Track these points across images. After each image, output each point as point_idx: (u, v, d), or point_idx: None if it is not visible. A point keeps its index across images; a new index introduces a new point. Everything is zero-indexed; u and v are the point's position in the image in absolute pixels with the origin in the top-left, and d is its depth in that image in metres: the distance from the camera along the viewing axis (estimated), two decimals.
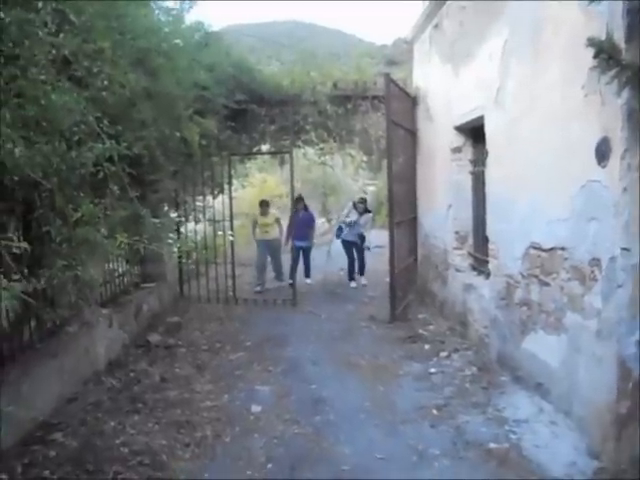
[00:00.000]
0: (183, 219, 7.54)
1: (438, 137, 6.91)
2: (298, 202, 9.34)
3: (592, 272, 3.40)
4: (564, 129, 3.70)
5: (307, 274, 9.82)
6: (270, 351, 5.94)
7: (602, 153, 3.24)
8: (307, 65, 8.09)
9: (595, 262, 3.37)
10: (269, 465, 3.53)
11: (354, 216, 9.37)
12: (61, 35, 2.77)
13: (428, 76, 7.45)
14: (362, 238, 9.60)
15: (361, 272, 9.61)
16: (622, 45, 2.97)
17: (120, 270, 6.45)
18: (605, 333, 3.32)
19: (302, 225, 9.36)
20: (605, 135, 3.22)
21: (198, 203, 7.93)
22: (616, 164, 3.12)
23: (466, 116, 5.77)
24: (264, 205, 9.53)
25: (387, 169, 6.77)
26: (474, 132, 5.89)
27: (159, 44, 4.58)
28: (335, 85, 7.87)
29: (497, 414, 4.15)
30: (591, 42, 2.79)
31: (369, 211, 9.73)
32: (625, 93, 2.93)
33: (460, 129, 6.22)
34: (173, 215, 7.04)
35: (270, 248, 9.43)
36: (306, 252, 9.68)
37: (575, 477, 3.24)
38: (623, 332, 3.18)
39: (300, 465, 3.51)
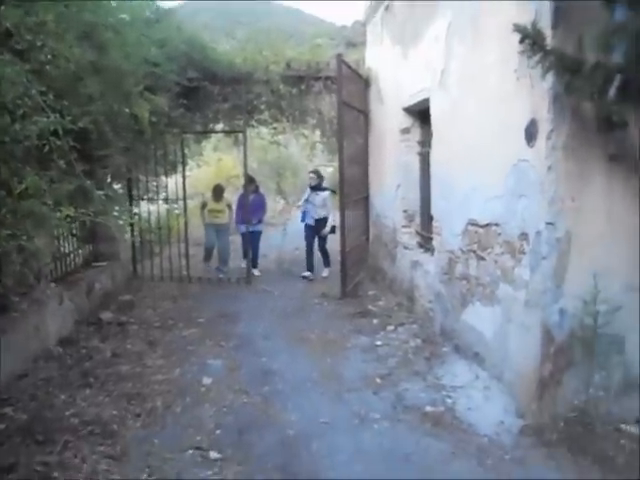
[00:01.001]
0: (136, 198, 7.51)
1: (388, 118, 7.08)
2: (249, 183, 8.74)
3: (521, 246, 3.65)
4: (499, 111, 3.91)
5: (254, 264, 8.86)
6: (223, 327, 6.04)
7: (530, 134, 3.46)
8: (261, 44, 8.09)
9: (524, 236, 3.61)
10: (218, 431, 3.67)
11: (310, 195, 8.39)
12: (2, 7, 2.76)
13: (379, 58, 7.59)
14: (324, 221, 8.28)
15: (325, 262, 8.61)
16: (549, 31, 3.17)
17: (71, 248, 6.40)
18: (532, 303, 3.57)
19: (252, 208, 8.67)
20: (534, 117, 3.44)
21: (152, 182, 7.89)
22: (542, 144, 3.35)
23: (414, 98, 5.94)
24: (218, 191, 8.86)
25: (338, 150, 6.90)
26: (422, 114, 6.07)
27: (106, 18, 4.55)
28: (288, 65, 7.90)
29: (436, 381, 4.40)
30: (517, 28, 2.97)
31: (327, 189, 8.54)
32: (550, 77, 3.13)
33: (409, 111, 6.40)
34: (123, 192, 7.00)
35: (219, 233, 8.75)
36: (255, 237, 8.86)
37: (502, 435, 3.51)
38: (548, 301, 3.45)
39: (247, 431, 3.67)
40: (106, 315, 6.11)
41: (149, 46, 5.84)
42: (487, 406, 3.87)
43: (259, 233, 9.04)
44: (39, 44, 2.98)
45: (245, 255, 8.74)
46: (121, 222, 3.74)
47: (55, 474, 3.09)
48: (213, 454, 3.36)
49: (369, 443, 3.50)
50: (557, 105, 3.25)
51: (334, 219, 8.07)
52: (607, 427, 3.39)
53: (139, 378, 4.55)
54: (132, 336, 5.64)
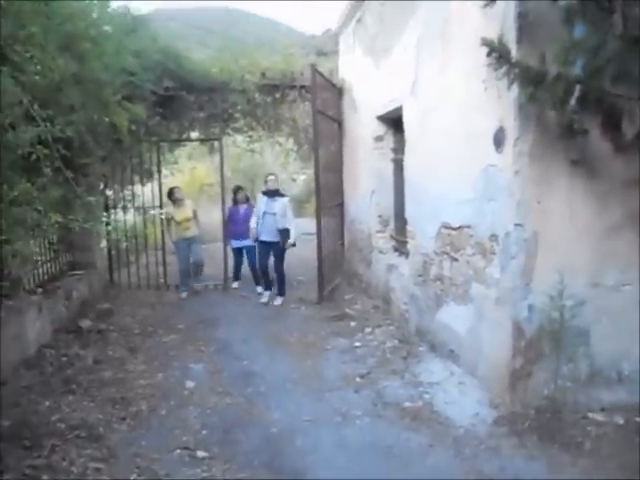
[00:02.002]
0: (112, 206, 7.53)
1: (362, 126, 7.27)
2: (238, 193, 8.11)
3: (492, 246, 3.85)
4: (469, 119, 4.11)
5: (256, 278, 7.92)
6: (202, 333, 6.11)
7: (498, 140, 3.67)
8: (236, 53, 8.21)
9: (494, 237, 3.81)
10: (204, 431, 3.77)
11: (267, 204, 7.04)
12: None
13: (352, 67, 7.79)
14: (286, 232, 7.08)
15: (280, 289, 7.36)
16: (514, 46, 3.39)
17: (48, 257, 6.40)
18: (503, 300, 3.77)
19: (244, 221, 7.73)
20: (501, 125, 3.65)
21: (127, 191, 7.94)
22: (509, 150, 3.56)
23: (387, 106, 6.14)
24: (176, 194, 7.70)
25: (314, 157, 7.06)
26: (395, 122, 6.27)
27: (86, 29, 4.62)
28: (263, 74, 8.05)
29: (413, 379, 4.56)
30: (484, 42, 3.18)
31: (284, 195, 7.35)
32: (515, 88, 3.34)
33: (382, 119, 6.60)
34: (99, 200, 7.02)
35: (191, 247, 7.81)
36: (250, 253, 7.90)
37: (477, 426, 3.69)
38: (517, 298, 3.65)
39: (233, 430, 3.77)
40: (85, 323, 6.12)
41: (126, 56, 5.91)
42: (462, 400, 4.05)
43: (253, 248, 7.70)
44: (29, 55, 3.06)
45: (236, 276, 8.32)
46: (108, 227, 3.79)
47: (44, 477, 3.14)
48: (200, 453, 3.46)
49: (351, 438, 3.64)
50: (522, 114, 3.47)
51: (296, 232, 7.12)
52: (575, 415, 3.61)
53: (122, 383, 4.61)
54: (112, 343, 5.67)
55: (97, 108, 4.64)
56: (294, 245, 7.32)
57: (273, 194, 7.10)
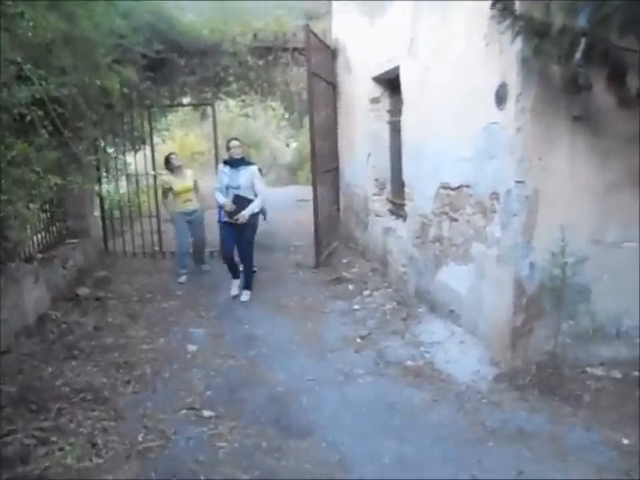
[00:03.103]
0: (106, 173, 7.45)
1: (357, 88, 7.16)
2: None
3: (492, 205, 3.85)
4: (469, 76, 4.05)
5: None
6: (202, 299, 6.12)
7: (500, 97, 3.62)
8: (226, 14, 8.00)
9: (494, 196, 3.80)
10: (208, 392, 3.81)
11: (230, 176, 5.84)
12: None
13: (347, 28, 7.63)
14: (255, 213, 5.97)
15: (247, 281, 6.16)
16: None
17: (42, 225, 6.34)
18: (504, 258, 3.79)
19: None
20: (503, 80, 3.60)
21: (120, 157, 7.83)
22: (512, 107, 3.52)
23: (383, 67, 6.05)
24: (173, 161, 6.96)
25: (309, 120, 6.97)
26: (391, 83, 6.19)
27: None
28: (255, 36, 7.87)
29: (414, 339, 4.61)
30: None
31: (251, 163, 6.25)
32: (518, 42, 3.29)
33: (378, 80, 6.51)
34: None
35: (192, 224, 7.03)
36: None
37: (479, 382, 3.75)
38: (518, 256, 3.67)
39: (238, 390, 3.82)
40: (83, 291, 6.11)
41: (114, 16, 5.76)
42: (463, 358, 4.10)
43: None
44: (19, 11, 2.96)
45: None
46: (106, 188, 3.73)
47: (53, 438, 3.17)
48: (206, 412, 3.50)
49: (355, 396, 3.69)
50: (525, 69, 3.42)
51: (262, 203, 6.05)
52: (575, 370, 3.68)
53: (124, 348, 4.63)
54: (112, 310, 5.68)
55: (88, 70, 4.53)
56: (261, 215, 6.46)
57: (237, 163, 5.88)
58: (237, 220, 5.76)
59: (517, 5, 3.21)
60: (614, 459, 2.85)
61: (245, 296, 6.03)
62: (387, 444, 3.09)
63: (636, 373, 3.67)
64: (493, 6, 3.16)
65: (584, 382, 3.59)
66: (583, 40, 2.94)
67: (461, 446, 3.05)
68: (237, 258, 6.23)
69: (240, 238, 5.95)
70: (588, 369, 3.71)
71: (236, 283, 6.23)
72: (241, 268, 6.25)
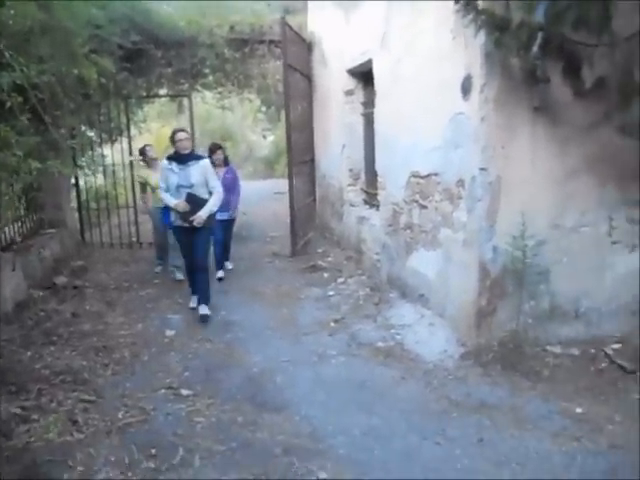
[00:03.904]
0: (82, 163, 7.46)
1: (332, 81, 7.30)
2: (215, 153, 6.46)
3: (459, 191, 4.03)
4: (437, 68, 4.22)
5: (226, 256, 6.86)
6: (179, 286, 6.21)
7: (466, 88, 3.80)
8: (203, 6, 8.06)
9: (460, 183, 3.99)
10: (186, 373, 3.93)
11: (179, 171, 5.02)
12: None
13: (322, 22, 7.75)
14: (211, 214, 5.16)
15: (203, 295, 5.24)
16: None
17: (19, 215, 6.36)
18: (469, 242, 3.97)
19: (224, 189, 5.65)
20: (468, 72, 3.78)
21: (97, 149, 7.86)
22: (476, 97, 3.70)
23: (357, 60, 6.19)
24: (149, 152, 6.73)
25: (285, 112, 7.09)
26: (365, 75, 6.34)
27: None
28: (232, 28, 7.95)
29: (385, 322, 4.79)
30: None
31: (202, 156, 5.43)
32: (481, 35, 3.46)
33: (352, 72, 6.66)
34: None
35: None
36: (227, 227, 6.64)
37: (445, 361, 3.94)
38: (482, 240, 3.85)
39: (214, 371, 3.95)
40: (60, 279, 6.16)
41: (91, 7, 5.80)
42: (432, 339, 4.29)
43: (231, 222, 6.77)
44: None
45: (219, 265, 6.62)
46: (86, 172, 3.80)
47: (34, 416, 3.26)
48: (184, 391, 3.63)
49: (328, 375, 3.85)
50: (489, 61, 3.60)
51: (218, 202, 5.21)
52: (535, 348, 3.89)
53: (103, 334, 4.72)
54: (89, 298, 5.74)
55: (65, 59, 4.58)
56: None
57: (186, 159, 5.05)
58: (192, 222, 4.95)
59: (480, 0, 3.37)
60: (567, 426, 3.06)
61: (204, 309, 5.12)
62: (357, 417, 3.25)
63: (592, 350, 3.90)
64: (457, 1, 3.32)
65: (543, 359, 3.80)
66: (540, 34, 3.13)
67: (427, 418, 3.23)
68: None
69: (195, 243, 5.08)
70: (548, 347, 3.93)
71: (195, 299, 5.38)
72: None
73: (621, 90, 3.21)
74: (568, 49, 3.19)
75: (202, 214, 4.96)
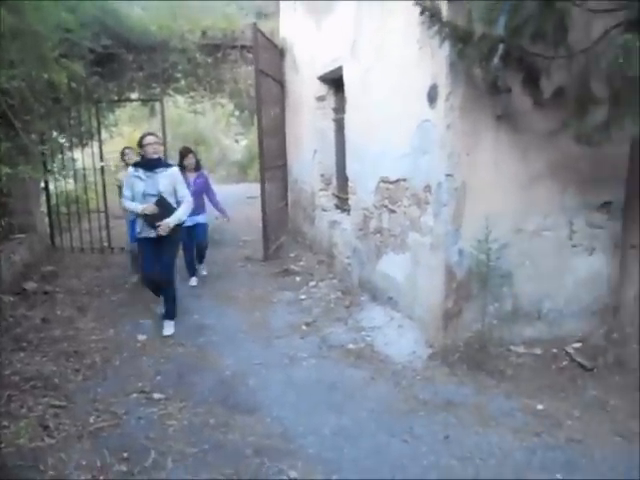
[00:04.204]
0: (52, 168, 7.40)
1: (304, 87, 7.39)
2: (186, 157, 6.37)
3: (426, 197, 4.14)
4: (405, 77, 4.34)
5: (200, 259, 6.72)
6: (151, 292, 6.18)
7: (432, 97, 3.92)
8: (174, 7, 8.07)
9: (428, 188, 4.10)
10: (158, 377, 3.96)
11: (147, 179, 4.75)
12: None
13: (294, 28, 7.84)
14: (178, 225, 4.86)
15: (169, 311, 5.01)
16: (445, 4, 3.62)
17: None
18: (436, 246, 4.09)
19: (194, 193, 5.74)
20: (434, 82, 3.90)
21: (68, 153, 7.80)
22: (442, 106, 3.82)
23: (328, 67, 6.29)
24: (129, 154, 6.48)
25: (257, 118, 7.14)
26: (336, 82, 6.43)
27: None
28: (204, 33, 7.98)
29: (356, 324, 4.88)
30: (417, 2, 3.39)
31: (170, 164, 5.18)
32: (446, 46, 3.58)
33: (323, 79, 6.75)
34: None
35: None
36: (201, 233, 6.51)
37: (414, 361, 4.04)
38: (449, 243, 3.97)
39: (187, 374, 3.98)
40: (30, 285, 6.10)
41: (61, 10, 5.78)
42: (401, 340, 4.39)
43: (205, 226, 6.65)
44: None
45: (191, 271, 6.56)
46: (57, 178, 3.79)
47: (5, 422, 3.25)
48: (156, 395, 3.65)
49: (299, 376, 3.92)
50: (453, 71, 3.72)
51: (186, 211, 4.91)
52: (499, 348, 4.02)
53: (74, 339, 4.70)
54: (60, 303, 5.71)
55: (36, 64, 4.56)
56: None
57: (155, 165, 4.79)
58: (158, 228, 4.64)
59: (444, 12, 3.50)
60: (529, 422, 3.19)
61: (169, 328, 4.91)
62: (327, 418, 3.32)
63: (554, 350, 4.05)
64: (422, 13, 3.44)
65: (507, 358, 3.94)
66: (501, 46, 3.26)
67: (395, 417, 3.32)
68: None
69: (161, 257, 4.81)
70: (512, 347, 4.07)
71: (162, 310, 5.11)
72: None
73: (578, 100, 3.38)
74: (527, 61, 3.33)
75: (169, 221, 4.67)
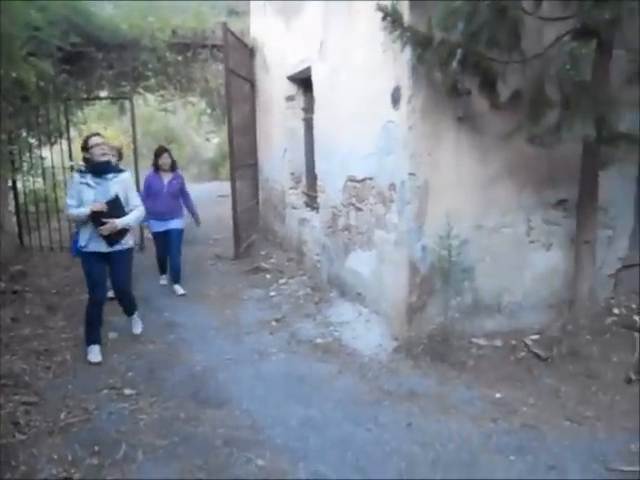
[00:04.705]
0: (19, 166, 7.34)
1: (274, 87, 7.47)
2: (159, 156, 6.11)
3: (391, 195, 4.29)
4: (371, 79, 4.47)
5: (175, 277, 6.21)
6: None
7: (395, 99, 4.06)
8: (145, 9, 8.06)
9: (392, 187, 4.24)
10: (129, 374, 4.02)
11: (97, 186, 4.21)
12: None
13: (264, 28, 7.91)
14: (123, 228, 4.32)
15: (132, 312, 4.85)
16: (407, 10, 3.75)
17: None
18: (400, 242, 4.24)
19: (169, 195, 5.97)
20: (397, 84, 4.04)
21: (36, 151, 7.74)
22: (404, 107, 3.96)
23: (297, 67, 6.39)
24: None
25: (227, 117, 7.20)
26: (305, 82, 6.53)
27: None
28: (174, 32, 7.99)
29: (325, 320, 5.00)
30: (379, 7, 3.52)
31: (120, 170, 4.53)
32: (408, 50, 3.72)
33: (293, 79, 6.85)
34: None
35: None
36: (175, 239, 6.13)
37: (380, 354, 4.19)
38: (412, 240, 4.12)
39: (158, 370, 4.05)
40: None
41: (29, 8, 5.74)
42: (368, 334, 4.53)
43: (180, 232, 6.22)
44: None
45: (163, 268, 6.44)
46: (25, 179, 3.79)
47: None
48: (127, 391, 3.72)
49: (268, 371, 4.03)
50: (415, 74, 3.86)
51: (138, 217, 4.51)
52: (461, 340, 4.19)
53: (44, 338, 4.71)
54: (29, 303, 5.68)
55: (3, 62, 4.55)
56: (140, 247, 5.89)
57: (104, 170, 4.29)
58: (102, 227, 4.11)
59: (406, 18, 3.64)
60: (487, 410, 3.36)
61: (136, 327, 4.85)
62: (295, 409, 3.44)
63: (513, 342, 4.23)
64: (384, 18, 3.57)
65: (469, 350, 4.11)
66: (459, 51, 3.41)
67: (360, 407, 3.45)
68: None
69: (115, 270, 4.42)
70: (473, 339, 4.24)
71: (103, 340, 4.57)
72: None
73: (532, 103, 3.56)
74: (484, 65, 3.50)
75: (117, 221, 4.17)
